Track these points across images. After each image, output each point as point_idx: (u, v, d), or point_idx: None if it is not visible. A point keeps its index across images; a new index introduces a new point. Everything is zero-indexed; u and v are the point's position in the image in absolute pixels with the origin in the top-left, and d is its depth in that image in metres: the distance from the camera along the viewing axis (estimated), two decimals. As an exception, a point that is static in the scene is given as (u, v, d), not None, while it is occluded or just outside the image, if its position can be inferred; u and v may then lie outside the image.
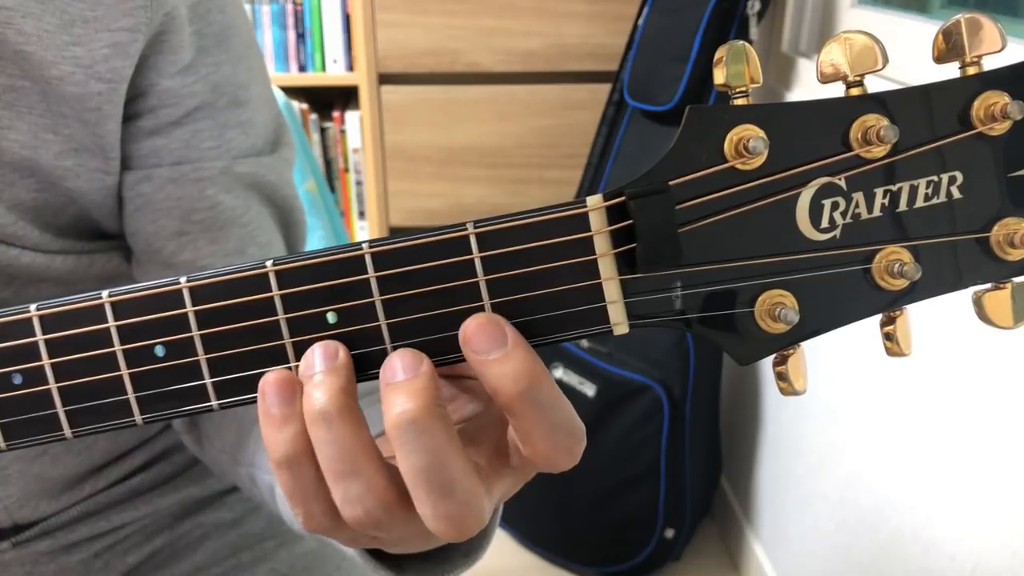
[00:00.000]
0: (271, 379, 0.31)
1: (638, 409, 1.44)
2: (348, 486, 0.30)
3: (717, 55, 0.30)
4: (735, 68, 0.29)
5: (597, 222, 0.30)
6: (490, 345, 0.29)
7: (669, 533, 1.49)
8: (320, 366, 0.30)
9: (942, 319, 0.82)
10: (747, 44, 0.30)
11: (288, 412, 0.30)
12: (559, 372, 1.51)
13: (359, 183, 1.83)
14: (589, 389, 1.47)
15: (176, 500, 0.66)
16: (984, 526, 0.87)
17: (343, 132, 1.80)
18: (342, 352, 0.31)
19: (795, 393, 0.31)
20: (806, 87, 1.35)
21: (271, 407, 0.31)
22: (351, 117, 1.77)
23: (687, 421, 1.45)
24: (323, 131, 1.81)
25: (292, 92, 1.73)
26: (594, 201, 0.30)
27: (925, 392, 0.98)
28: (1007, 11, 1.11)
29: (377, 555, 0.39)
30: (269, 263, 0.31)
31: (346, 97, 1.83)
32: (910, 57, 0.76)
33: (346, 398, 0.30)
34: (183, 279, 0.32)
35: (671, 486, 1.47)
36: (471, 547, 0.40)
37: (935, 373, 0.94)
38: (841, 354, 1.13)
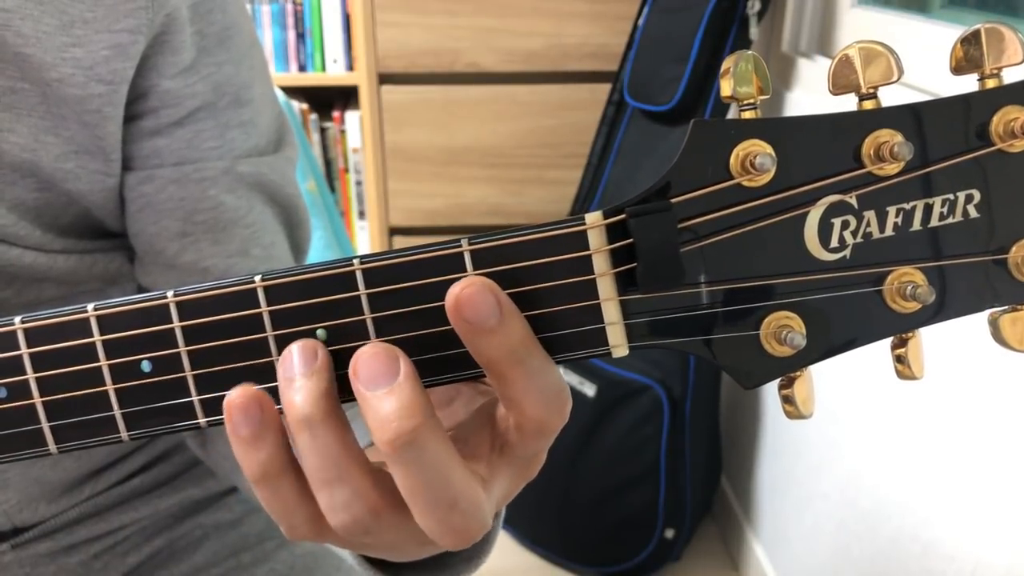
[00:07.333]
0: (235, 401, 0.29)
1: (638, 409, 1.44)
2: (333, 493, 0.29)
3: (724, 66, 0.28)
4: (743, 80, 0.28)
5: (596, 240, 0.29)
6: (484, 315, 0.28)
7: (669, 533, 1.49)
8: (299, 369, 0.29)
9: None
10: (756, 55, 0.28)
11: (258, 430, 0.29)
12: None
13: (359, 183, 1.82)
14: (589, 389, 1.47)
15: (176, 501, 0.65)
16: (984, 526, 0.87)
17: (343, 132, 1.79)
18: (321, 352, 0.29)
19: (801, 417, 0.30)
20: (806, 87, 1.34)
21: (238, 428, 0.29)
22: (351, 117, 1.77)
23: (687, 421, 1.45)
24: (323, 131, 1.80)
25: (292, 92, 1.72)
26: (593, 219, 0.29)
27: (926, 392, 0.97)
28: (1007, 11, 1.10)
29: (375, 562, 0.38)
30: (257, 278, 0.30)
31: (346, 97, 1.83)
32: (910, 58, 0.75)
33: (328, 401, 0.29)
34: (170, 293, 0.31)
35: (671, 486, 1.46)
36: (473, 551, 0.39)
37: (936, 373, 0.93)
38: (842, 355, 1.12)
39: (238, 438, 0.29)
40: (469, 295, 0.28)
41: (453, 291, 0.28)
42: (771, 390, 1.45)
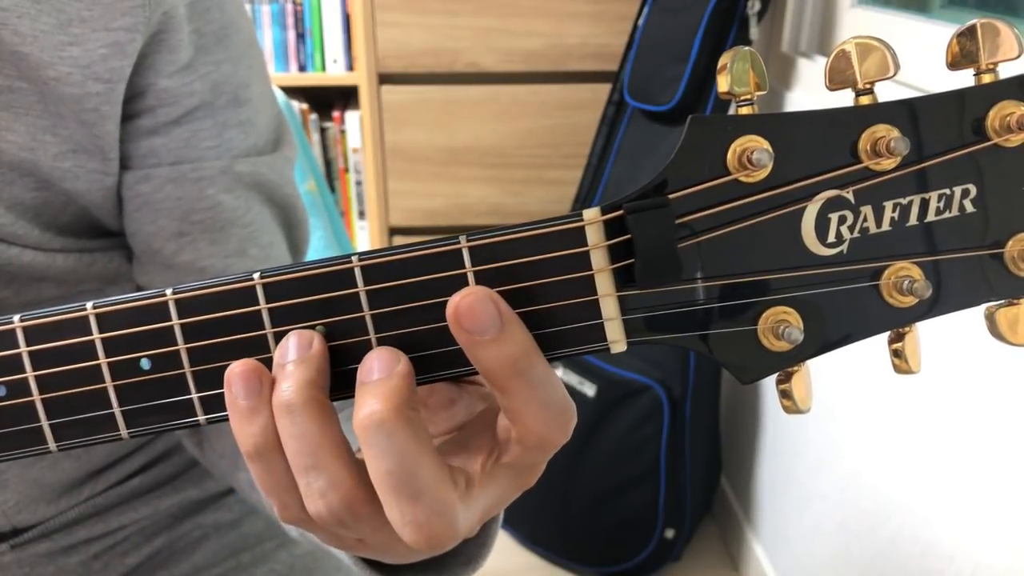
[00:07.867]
0: (237, 370, 0.30)
1: (638, 409, 1.44)
2: (310, 480, 0.29)
3: (721, 62, 0.28)
4: (740, 75, 0.28)
5: (594, 236, 0.29)
6: (484, 325, 0.28)
7: (669, 533, 1.49)
8: (292, 355, 0.30)
9: (941, 319, 0.81)
10: (753, 51, 0.28)
11: (256, 403, 0.30)
12: (559, 372, 1.50)
13: (359, 183, 1.82)
14: (589, 389, 1.47)
15: (175, 501, 0.65)
16: (984, 526, 0.87)
17: (343, 132, 1.79)
18: (317, 342, 0.30)
19: (799, 412, 0.30)
20: (806, 87, 1.34)
21: (237, 398, 0.30)
22: (351, 117, 1.77)
23: (687, 421, 1.45)
24: (323, 131, 1.80)
25: (292, 92, 1.72)
26: (591, 215, 0.29)
27: (925, 392, 0.97)
28: (1007, 11, 1.10)
29: (372, 563, 0.38)
30: (256, 275, 0.30)
31: (346, 97, 1.83)
32: (910, 57, 0.75)
33: (312, 390, 0.29)
34: (169, 291, 0.31)
35: (671, 486, 1.46)
36: (470, 555, 0.39)
37: (935, 373, 0.93)
38: (841, 354, 1.12)
39: (236, 409, 0.30)
40: (469, 304, 0.28)
41: (453, 300, 0.28)
42: (771, 390, 1.45)
